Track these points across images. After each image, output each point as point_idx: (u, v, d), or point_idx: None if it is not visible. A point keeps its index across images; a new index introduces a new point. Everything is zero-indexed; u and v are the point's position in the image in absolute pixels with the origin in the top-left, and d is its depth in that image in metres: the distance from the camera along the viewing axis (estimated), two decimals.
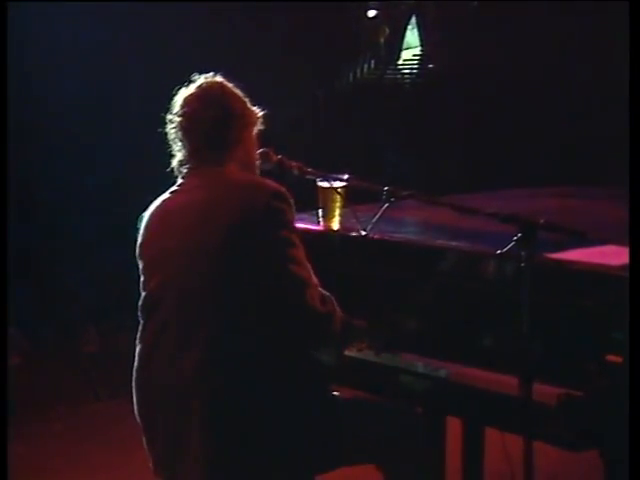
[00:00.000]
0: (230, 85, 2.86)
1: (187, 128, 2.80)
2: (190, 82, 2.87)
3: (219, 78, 2.87)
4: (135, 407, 2.80)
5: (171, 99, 2.84)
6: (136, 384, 2.79)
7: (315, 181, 3.20)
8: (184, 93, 2.84)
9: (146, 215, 2.85)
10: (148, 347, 2.76)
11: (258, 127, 2.87)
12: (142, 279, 2.81)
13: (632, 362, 2.38)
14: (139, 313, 2.81)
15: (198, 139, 2.79)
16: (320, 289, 2.71)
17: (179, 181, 2.84)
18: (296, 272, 2.64)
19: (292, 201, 2.70)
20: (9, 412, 3.48)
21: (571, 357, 2.61)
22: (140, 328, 2.80)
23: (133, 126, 6.61)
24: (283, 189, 2.69)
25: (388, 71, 8.82)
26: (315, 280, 2.70)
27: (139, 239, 2.84)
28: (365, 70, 8.73)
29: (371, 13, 8.72)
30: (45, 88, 6.61)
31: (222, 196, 2.70)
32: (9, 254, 3.77)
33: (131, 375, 2.81)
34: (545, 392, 2.55)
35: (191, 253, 2.66)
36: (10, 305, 3.83)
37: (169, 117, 2.84)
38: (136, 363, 2.80)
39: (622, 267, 2.61)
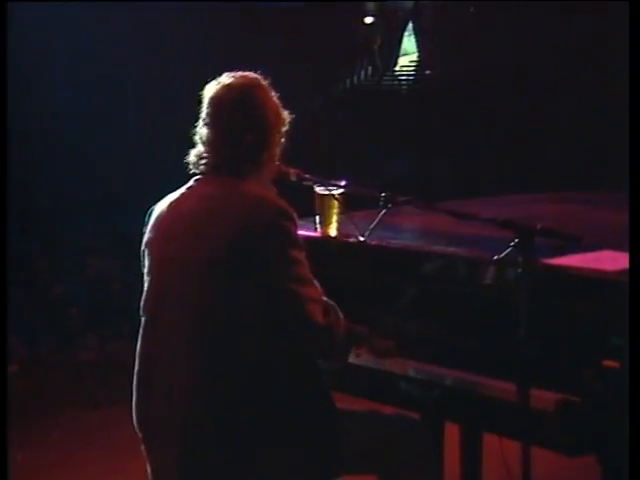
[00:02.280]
0: (268, 90, 2.81)
1: (218, 130, 2.74)
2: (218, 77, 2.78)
3: (261, 80, 2.81)
4: (134, 412, 2.79)
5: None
6: (136, 388, 2.77)
7: (313, 187, 3.20)
8: (224, 89, 2.76)
9: (155, 212, 2.81)
10: (148, 354, 2.75)
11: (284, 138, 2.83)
12: (146, 277, 2.78)
13: (631, 367, 2.38)
14: (141, 311, 2.78)
15: (229, 147, 2.74)
16: (323, 299, 2.69)
17: (192, 182, 2.79)
18: (296, 290, 2.61)
19: (296, 218, 2.68)
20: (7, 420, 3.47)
21: (568, 362, 2.61)
22: (141, 328, 2.77)
23: (132, 133, 6.62)
24: (288, 207, 2.67)
25: (385, 77, 8.84)
26: (317, 292, 2.67)
27: (146, 236, 2.80)
28: (362, 77, 8.75)
29: (368, 20, 8.75)
30: (44, 93, 6.61)
31: (229, 208, 2.67)
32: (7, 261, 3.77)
33: (131, 380, 2.79)
34: (543, 398, 2.56)
35: (191, 263, 2.65)
36: (8, 313, 3.82)
37: (202, 108, 2.76)
38: (136, 367, 2.77)
39: (618, 272, 2.62)
